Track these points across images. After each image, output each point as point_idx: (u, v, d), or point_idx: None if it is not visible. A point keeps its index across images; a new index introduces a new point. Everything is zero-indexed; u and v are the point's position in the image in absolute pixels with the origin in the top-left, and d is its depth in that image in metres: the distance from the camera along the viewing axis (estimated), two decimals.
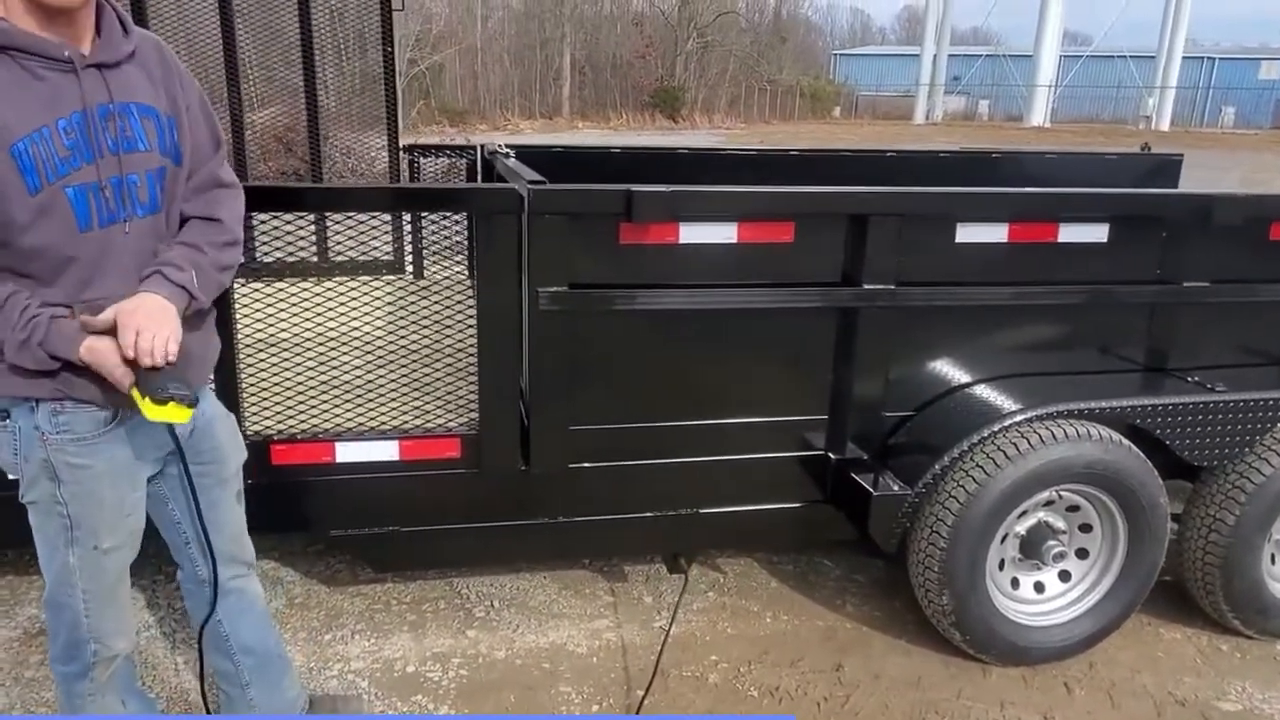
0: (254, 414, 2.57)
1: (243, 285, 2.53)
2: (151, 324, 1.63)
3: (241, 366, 2.50)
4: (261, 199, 2.38)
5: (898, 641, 2.90)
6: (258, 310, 2.56)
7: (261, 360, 2.60)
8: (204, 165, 1.86)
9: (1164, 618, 3.06)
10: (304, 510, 2.61)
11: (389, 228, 4.15)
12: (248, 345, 2.57)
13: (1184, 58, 39.62)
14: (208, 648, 2.17)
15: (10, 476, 1.82)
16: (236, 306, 2.43)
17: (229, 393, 2.37)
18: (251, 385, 2.57)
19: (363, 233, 2.60)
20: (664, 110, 34.71)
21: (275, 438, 2.54)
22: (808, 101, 41.94)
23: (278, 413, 2.59)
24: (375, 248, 3.61)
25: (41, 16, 1.57)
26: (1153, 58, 40.03)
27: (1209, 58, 45.60)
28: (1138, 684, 2.75)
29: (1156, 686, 2.74)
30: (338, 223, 2.60)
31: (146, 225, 1.74)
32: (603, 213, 2.45)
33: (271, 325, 2.58)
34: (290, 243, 2.53)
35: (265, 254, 2.57)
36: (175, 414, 1.66)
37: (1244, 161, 20.20)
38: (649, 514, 2.75)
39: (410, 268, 4.38)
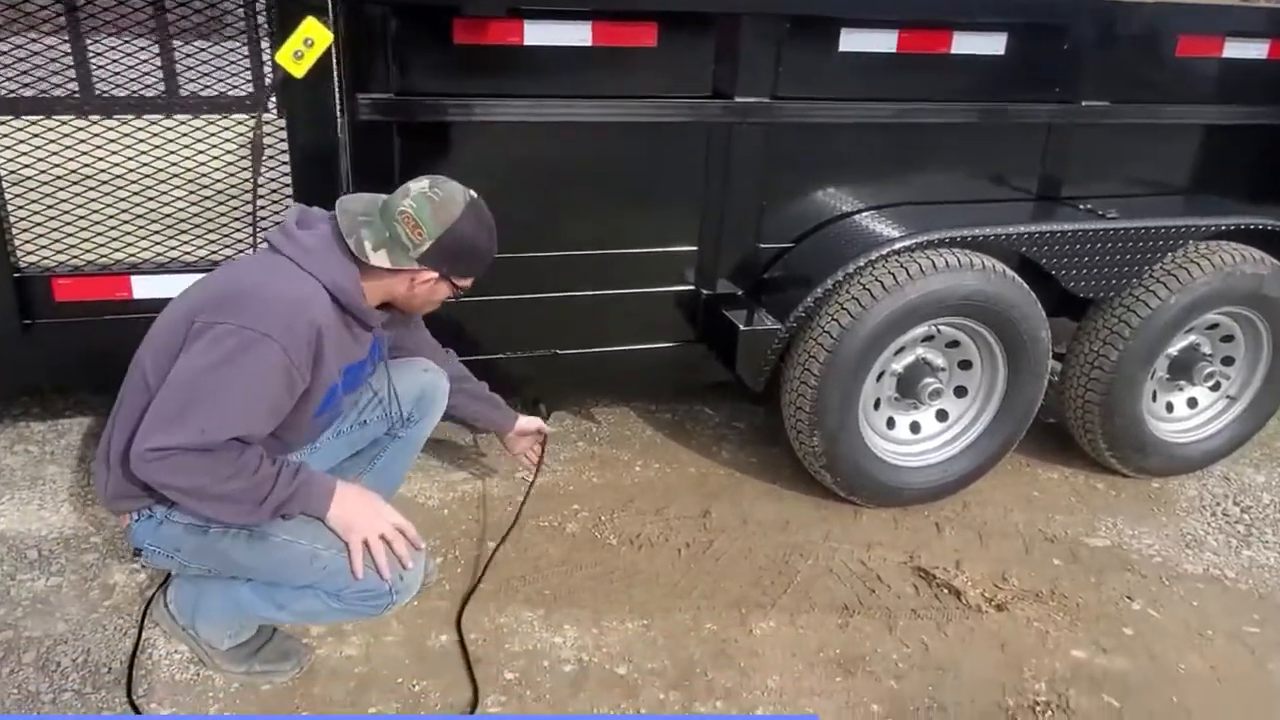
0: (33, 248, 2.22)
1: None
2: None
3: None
4: None
5: (770, 486, 2.78)
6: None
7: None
8: None
9: (1043, 459, 3.01)
10: (96, 358, 2.25)
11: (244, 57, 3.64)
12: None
13: None
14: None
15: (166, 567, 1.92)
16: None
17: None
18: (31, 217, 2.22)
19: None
20: None
21: (57, 271, 2.20)
22: None
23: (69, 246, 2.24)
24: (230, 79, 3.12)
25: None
26: None
27: None
28: (1009, 522, 2.70)
29: (1028, 524, 2.69)
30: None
31: None
32: (432, 5, 2.11)
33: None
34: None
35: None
36: None
37: None
38: (501, 355, 2.52)
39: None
